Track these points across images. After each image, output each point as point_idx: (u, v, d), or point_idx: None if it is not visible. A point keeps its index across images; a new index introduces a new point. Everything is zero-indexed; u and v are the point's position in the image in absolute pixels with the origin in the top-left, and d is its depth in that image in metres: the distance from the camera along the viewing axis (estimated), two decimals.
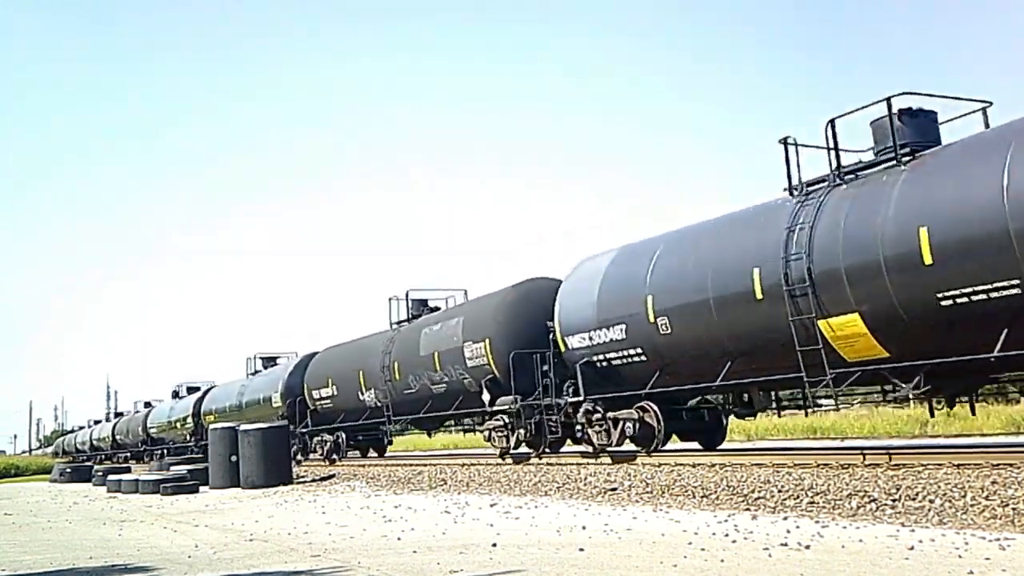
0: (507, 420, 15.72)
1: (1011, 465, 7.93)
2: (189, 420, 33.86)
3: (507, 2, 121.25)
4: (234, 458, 18.02)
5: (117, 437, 46.95)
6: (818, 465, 9.81)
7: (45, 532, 11.10)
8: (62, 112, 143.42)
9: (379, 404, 20.47)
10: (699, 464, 11.36)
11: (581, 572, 5.55)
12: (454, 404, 17.34)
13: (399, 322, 20.60)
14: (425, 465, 16.82)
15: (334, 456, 22.85)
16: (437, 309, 20.33)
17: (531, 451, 15.38)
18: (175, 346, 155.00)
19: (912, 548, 5.72)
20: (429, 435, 24.71)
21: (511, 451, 15.91)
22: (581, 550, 6.43)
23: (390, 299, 20.74)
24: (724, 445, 14.09)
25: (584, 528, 7.69)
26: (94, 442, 54.14)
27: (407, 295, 20.60)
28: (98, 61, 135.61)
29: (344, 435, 22.70)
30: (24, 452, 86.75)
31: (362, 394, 20.86)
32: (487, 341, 15.67)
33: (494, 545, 6.92)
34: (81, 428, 64.13)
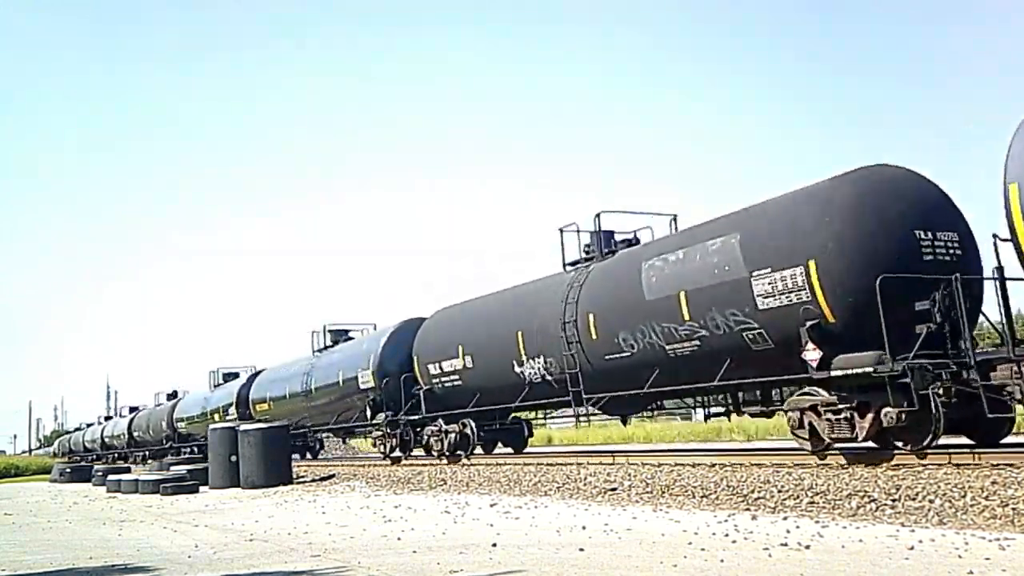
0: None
1: (1011, 465, 7.93)
2: (232, 411, 29.02)
3: (508, 3, 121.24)
4: (234, 458, 18.02)
5: (135, 433, 42.44)
6: (818, 465, 9.80)
7: (45, 532, 11.10)
8: (62, 112, 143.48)
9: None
10: (699, 464, 11.36)
11: (581, 572, 5.55)
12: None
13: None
14: (425, 466, 16.83)
15: (459, 452, 17.21)
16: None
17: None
18: (175, 346, 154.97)
19: (912, 548, 5.72)
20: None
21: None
22: (581, 550, 6.43)
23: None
24: (724, 445, 14.10)
25: (584, 528, 7.69)
26: (105, 439, 49.46)
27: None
28: (97, 61, 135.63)
29: (474, 424, 16.97)
30: (24, 452, 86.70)
31: (519, 365, 15.42)
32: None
33: (494, 545, 6.92)
34: (90, 425, 59.37)
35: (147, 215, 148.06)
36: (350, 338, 23.72)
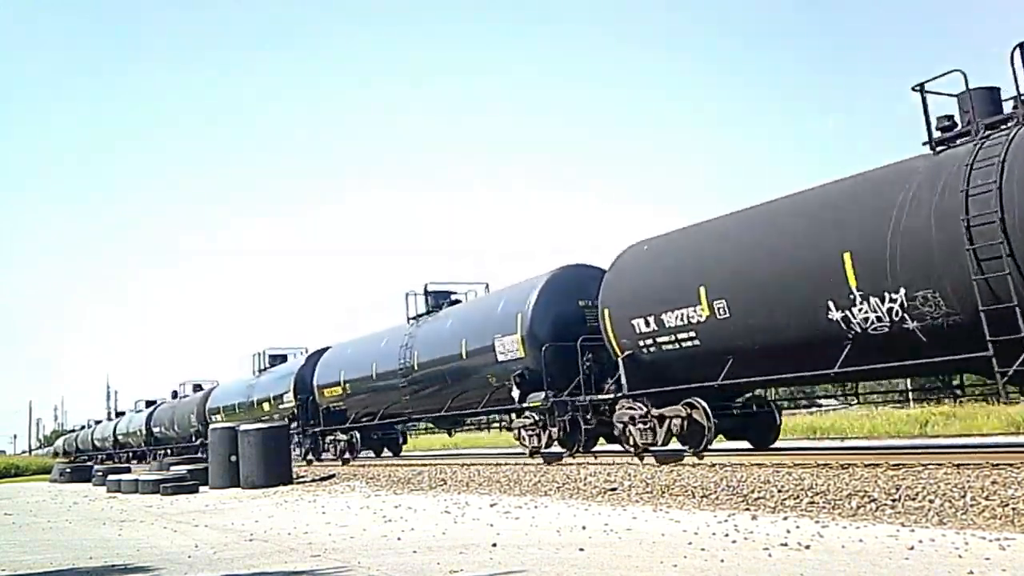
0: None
1: (1011, 465, 7.93)
2: (289, 397, 24.49)
3: (508, 3, 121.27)
4: (234, 458, 18.02)
5: (156, 429, 38.46)
6: (818, 465, 9.81)
7: (45, 532, 11.10)
8: (62, 112, 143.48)
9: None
10: (699, 464, 11.36)
11: (581, 572, 5.55)
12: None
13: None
14: (425, 465, 16.82)
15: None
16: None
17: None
18: (175, 346, 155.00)
19: (912, 548, 5.72)
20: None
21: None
22: (581, 550, 6.43)
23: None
24: (724, 445, 13.96)
25: (584, 528, 7.69)
26: (118, 437, 45.58)
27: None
28: (98, 61, 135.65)
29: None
30: (24, 452, 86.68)
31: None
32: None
33: (494, 545, 6.92)
34: (99, 422, 55.82)
35: (147, 215, 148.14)
36: (454, 302, 19.33)
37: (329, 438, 23.04)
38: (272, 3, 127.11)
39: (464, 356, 16.59)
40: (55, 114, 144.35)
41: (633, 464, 12.20)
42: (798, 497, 8.28)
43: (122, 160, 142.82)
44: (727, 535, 6.76)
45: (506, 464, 14.84)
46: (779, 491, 8.57)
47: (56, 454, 61.50)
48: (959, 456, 9.09)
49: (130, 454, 43.14)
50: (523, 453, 15.97)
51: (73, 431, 67.18)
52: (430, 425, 21.25)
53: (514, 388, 14.99)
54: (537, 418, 14.88)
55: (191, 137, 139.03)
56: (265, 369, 27.33)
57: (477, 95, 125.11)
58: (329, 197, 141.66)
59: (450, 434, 23.73)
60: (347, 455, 22.31)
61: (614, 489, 10.36)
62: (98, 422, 56.72)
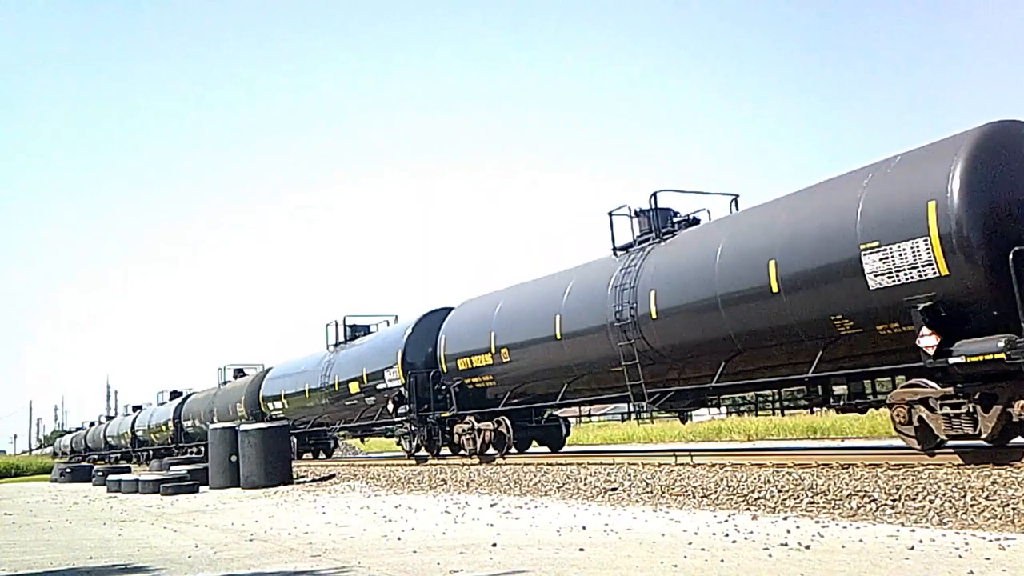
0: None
1: (1011, 465, 7.93)
2: (358, 386, 20.85)
3: (508, 3, 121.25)
4: (234, 458, 18.03)
5: (185, 424, 34.06)
6: (818, 465, 9.81)
7: (45, 532, 11.10)
8: (63, 111, 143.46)
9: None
10: (699, 464, 11.37)
11: (581, 572, 5.55)
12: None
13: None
14: (426, 466, 16.83)
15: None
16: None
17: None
18: (176, 346, 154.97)
19: (912, 548, 5.72)
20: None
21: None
22: (581, 550, 6.43)
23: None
24: (724, 445, 14.04)
25: (584, 528, 7.69)
26: (137, 434, 40.95)
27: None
28: (100, 60, 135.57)
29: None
30: (24, 452, 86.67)
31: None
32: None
33: (494, 545, 6.92)
34: (111, 418, 51.53)
35: (148, 214, 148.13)
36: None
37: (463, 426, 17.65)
38: (272, 2, 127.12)
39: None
40: (56, 113, 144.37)
41: (633, 464, 12.20)
42: (798, 497, 8.28)
43: (122, 160, 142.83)
44: (727, 535, 6.76)
45: (506, 464, 14.85)
46: (779, 491, 8.57)
47: (57, 454, 60.74)
48: (959, 456, 9.08)
49: (151, 453, 37.85)
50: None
51: (81, 428, 60.99)
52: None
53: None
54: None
55: (191, 136, 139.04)
56: (345, 341, 22.95)
57: (479, 92, 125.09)
58: (330, 195, 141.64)
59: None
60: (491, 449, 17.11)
61: (614, 489, 10.36)
62: (110, 418, 52.20)
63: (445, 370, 17.30)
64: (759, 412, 16.91)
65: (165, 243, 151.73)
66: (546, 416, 17.48)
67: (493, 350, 15.73)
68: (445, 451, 18.40)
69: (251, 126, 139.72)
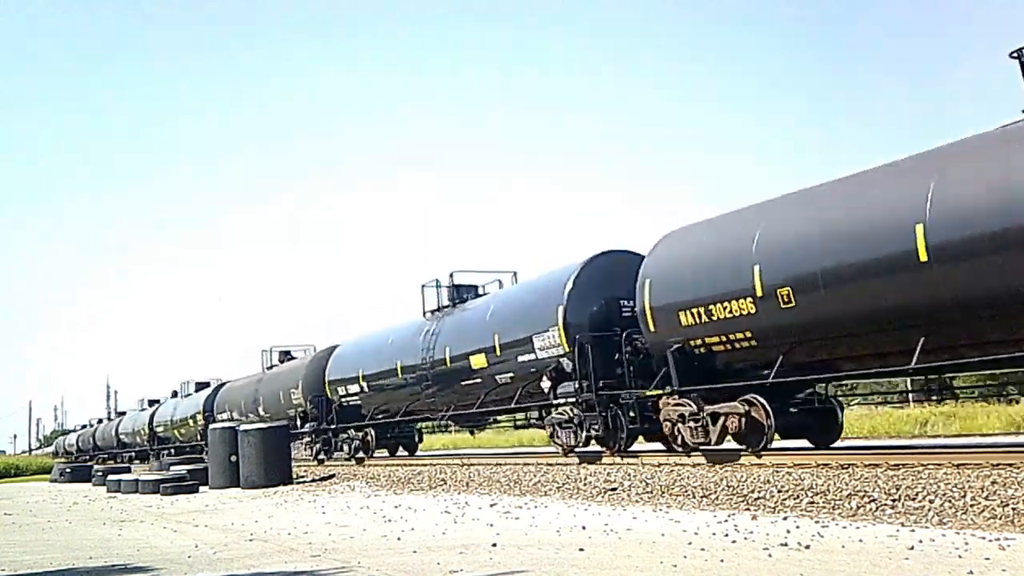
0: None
1: (1011, 465, 7.94)
2: (483, 359, 16.29)
3: (507, 4, 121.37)
4: (234, 458, 18.04)
5: (220, 418, 28.93)
6: (818, 465, 9.81)
7: (45, 532, 11.10)
8: (62, 111, 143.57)
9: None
10: (699, 464, 11.36)
11: (581, 572, 5.55)
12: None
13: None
14: (425, 465, 16.84)
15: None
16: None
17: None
18: (175, 346, 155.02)
19: (912, 548, 5.72)
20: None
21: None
22: (581, 550, 6.43)
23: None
24: (723, 445, 13.55)
25: (584, 528, 7.70)
26: (155, 430, 37.15)
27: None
28: (99, 60, 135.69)
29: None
30: (24, 452, 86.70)
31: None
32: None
33: (494, 545, 6.92)
34: (122, 414, 47.06)
35: (148, 214, 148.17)
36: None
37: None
38: (272, 5, 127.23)
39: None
40: (55, 112, 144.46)
41: (633, 464, 12.20)
42: (798, 497, 8.28)
43: (121, 160, 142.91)
44: (727, 535, 6.76)
45: (506, 464, 14.85)
46: (779, 491, 8.58)
47: (58, 454, 60.27)
48: (959, 456, 9.09)
49: (172, 451, 34.13)
50: (541, 452, 18.45)
51: (87, 426, 57.50)
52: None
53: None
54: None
55: (191, 136, 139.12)
56: (454, 305, 18.65)
57: (484, 89, 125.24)
58: (330, 194, 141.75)
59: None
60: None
61: (614, 489, 10.36)
62: (121, 414, 48.03)
63: (653, 328, 12.21)
64: None
65: (165, 243, 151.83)
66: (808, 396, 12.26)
67: (759, 291, 10.57)
68: (639, 446, 14.38)
69: (251, 126, 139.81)
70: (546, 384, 14.39)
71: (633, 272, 12.89)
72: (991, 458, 8.61)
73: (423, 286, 19.37)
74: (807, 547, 5.99)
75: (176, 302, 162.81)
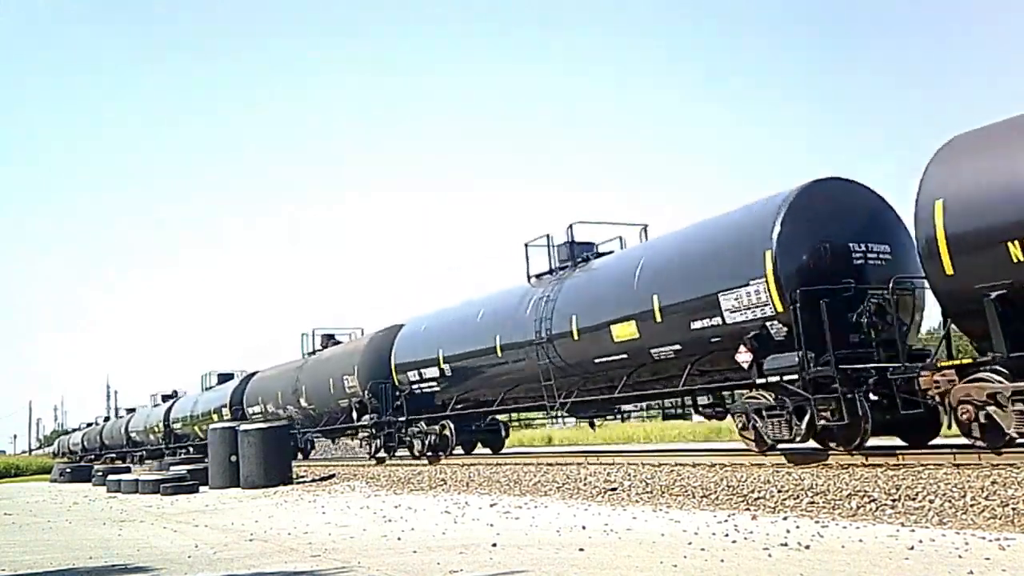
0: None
1: (1011, 465, 7.93)
2: (633, 328, 12.37)
3: (505, 4, 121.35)
4: (234, 458, 18.04)
5: (251, 412, 26.54)
6: (818, 465, 9.80)
7: (45, 532, 11.10)
8: (62, 111, 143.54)
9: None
10: (699, 464, 11.36)
11: (581, 572, 5.55)
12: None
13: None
14: (426, 465, 16.84)
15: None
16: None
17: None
18: (175, 346, 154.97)
19: (912, 548, 5.72)
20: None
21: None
22: (581, 550, 6.43)
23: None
24: (724, 445, 14.00)
25: (584, 528, 7.70)
26: (172, 426, 34.20)
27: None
28: (98, 60, 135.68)
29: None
30: (24, 452, 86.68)
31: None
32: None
33: (494, 545, 6.92)
34: (131, 411, 43.68)
35: (147, 215, 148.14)
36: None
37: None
38: (271, 5, 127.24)
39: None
40: (55, 113, 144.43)
41: (633, 464, 12.20)
42: (798, 497, 8.28)
43: (120, 161, 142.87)
44: (727, 535, 6.76)
45: (506, 464, 14.85)
46: (779, 491, 8.57)
47: (58, 454, 59.99)
48: (959, 456, 9.08)
49: (191, 448, 31.03)
50: (541, 452, 19.92)
51: (92, 424, 54.59)
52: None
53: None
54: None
55: (191, 136, 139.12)
56: (575, 264, 14.95)
57: (486, 90, 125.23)
58: (330, 195, 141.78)
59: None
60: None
61: (614, 489, 10.36)
62: (130, 410, 44.32)
63: (950, 269, 8.42)
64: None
65: (165, 243, 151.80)
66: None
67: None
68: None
69: (251, 127, 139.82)
70: (745, 357, 10.67)
71: (860, 206, 10.61)
72: (991, 458, 8.60)
73: (527, 244, 15.82)
74: (807, 547, 5.99)
75: (176, 302, 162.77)
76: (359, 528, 8.91)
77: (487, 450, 19.33)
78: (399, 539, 7.76)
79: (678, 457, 12.35)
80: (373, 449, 19.96)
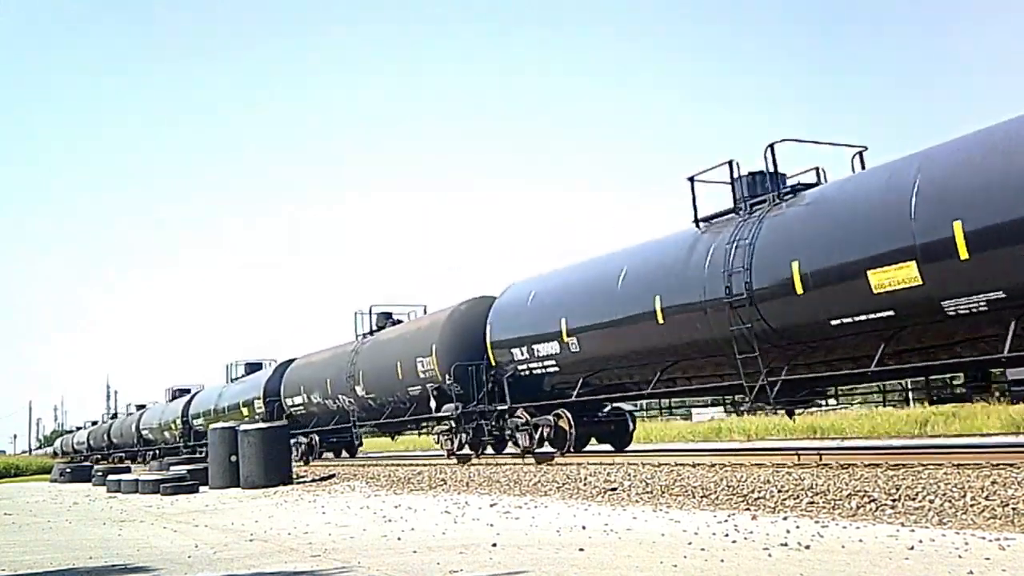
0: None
1: (1011, 465, 7.93)
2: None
3: (505, 4, 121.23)
4: (234, 458, 18.04)
5: (290, 404, 24.31)
6: (818, 465, 9.81)
7: (45, 532, 11.10)
8: (62, 111, 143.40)
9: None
10: (699, 464, 11.36)
11: (581, 572, 5.55)
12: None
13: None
14: (426, 465, 16.84)
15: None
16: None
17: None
18: (175, 346, 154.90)
19: (912, 548, 5.72)
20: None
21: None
22: (581, 550, 6.43)
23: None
24: (724, 445, 13.96)
25: (584, 528, 7.70)
26: (192, 422, 31.45)
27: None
28: (98, 60, 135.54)
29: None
30: (24, 452, 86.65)
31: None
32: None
33: (494, 545, 6.92)
34: (142, 407, 40.99)
35: (147, 215, 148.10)
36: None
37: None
38: (274, 1, 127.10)
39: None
40: (55, 113, 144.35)
41: (633, 464, 12.20)
42: (798, 497, 8.28)
43: (120, 161, 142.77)
44: (727, 535, 6.76)
45: (506, 464, 14.84)
46: (779, 491, 8.57)
47: (59, 454, 59.72)
48: (959, 456, 9.09)
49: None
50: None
51: (98, 422, 52.90)
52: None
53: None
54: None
55: (191, 136, 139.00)
56: (779, 197, 10.74)
57: (480, 95, 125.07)
58: (331, 195, 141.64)
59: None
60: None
61: (614, 489, 10.36)
62: (140, 407, 41.73)
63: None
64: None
65: (165, 243, 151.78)
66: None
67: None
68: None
69: (251, 128, 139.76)
70: None
71: None
72: (991, 458, 8.60)
73: (693, 178, 12.16)
74: (807, 547, 5.99)
75: (175, 303, 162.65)
76: (359, 528, 8.91)
77: (606, 446, 15.92)
78: (399, 539, 7.76)
79: (678, 457, 12.36)
80: (456, 445, 16.98)
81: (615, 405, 15.69)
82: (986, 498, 6.96)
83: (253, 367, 29.36)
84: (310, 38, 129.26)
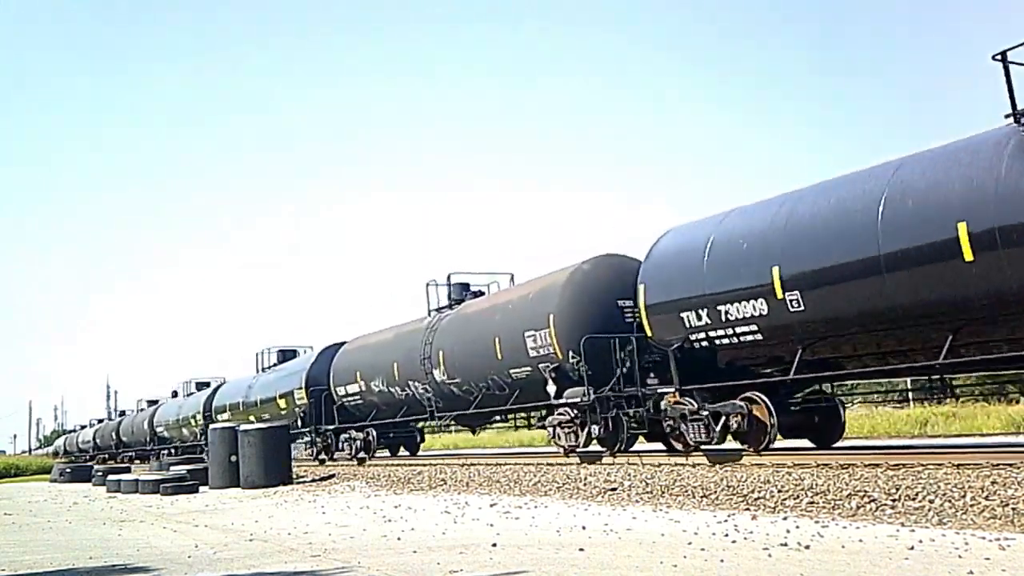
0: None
1: (1011, 465, 7.93)
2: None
3: (505, 4, 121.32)
4: (234, 458, 18.04)
5: (341, 395, 21.06)
6: (818, 465, 9.81)
7: (45, 532, 11.10)
8: (62, 111, 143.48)
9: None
10: (699, 464, 11.36)
11: (581, 572, 5.55)
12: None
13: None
14: (425, 465, 16.83)
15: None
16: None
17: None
18: (175, 346, 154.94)
19: (912, 548, 5.72)
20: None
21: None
22: (581, 550, 6.43)
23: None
24: (723, 445, 11.90)
25: (584, 528, 7.70)
26: (217, 418, 26.88)
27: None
28: (97, 60, 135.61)
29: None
30: (24, 452, 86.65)
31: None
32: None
33: (494, 545, 6.92)
34: (155, 403, 38.12)
35: (147, 215, 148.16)
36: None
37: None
38: (274, 2, 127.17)
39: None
40: (56, 113, 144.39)
41: (633, 464, 12.20)
42: (798, 497, 8.28)
43: (121, 161, 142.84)
44: (727, 535, 6.76)
45: (506, 464, 14.83)
46: (779, 491, 8.57)
47: (58, 454, 59.58)
48: (959, 456, 9.09)
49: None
50: (541, 452, 17.72)
51: (104, 420, 50.73)
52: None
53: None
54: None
55: (191, 136, 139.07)
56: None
57: (488, 92, 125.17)
58: (331, 195, 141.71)
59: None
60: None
61: (614, 489, 10.36)
62: (151, 402, 38.66)
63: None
64: None
65: (165, 243, 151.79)
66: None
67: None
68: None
69: (252, 128, 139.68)
70: None
71: None
72: (991, 458, 8.60)
73: (1004, 56, 9.11)
74: (807, 547, 5.99)
75: (176, 302, 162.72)
76: (359, 528, 8.91)
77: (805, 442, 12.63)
78: (399, 539, 7.76)
79: (678, 457, 12.35)
80: (583, 439, 13.68)
81: (818, 388, 12.23)
82: (986, 498, 6.96)
83: (288, 354, 25.99)
84: (311, 39, 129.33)
